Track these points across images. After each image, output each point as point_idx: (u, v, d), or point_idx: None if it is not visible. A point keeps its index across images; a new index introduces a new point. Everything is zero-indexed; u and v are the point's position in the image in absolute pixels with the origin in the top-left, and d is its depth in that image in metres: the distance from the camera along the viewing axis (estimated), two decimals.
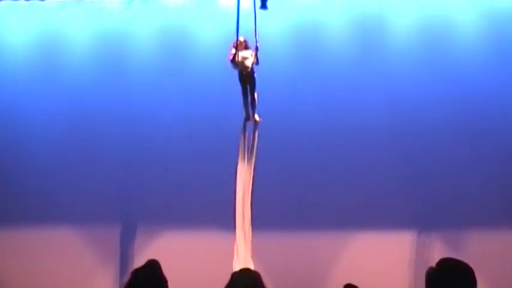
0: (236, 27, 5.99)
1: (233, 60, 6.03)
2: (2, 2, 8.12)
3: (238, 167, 6.08)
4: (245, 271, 3.71)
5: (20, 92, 8.16)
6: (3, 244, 8.00)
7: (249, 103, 6.02)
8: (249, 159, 6.05)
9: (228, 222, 7.70)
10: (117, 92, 8.08)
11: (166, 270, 3.79)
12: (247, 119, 6.08)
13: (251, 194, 6.05)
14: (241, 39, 6.04)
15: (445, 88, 7.89)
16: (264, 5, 6.36)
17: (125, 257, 7.89)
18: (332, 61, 8.00)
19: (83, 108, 8.08)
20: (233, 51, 6.03)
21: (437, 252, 7.35)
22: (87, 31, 8.18)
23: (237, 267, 5.70)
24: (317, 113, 7.93)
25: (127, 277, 3.77)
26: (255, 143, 6.06)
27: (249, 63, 5.98)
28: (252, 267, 5.61)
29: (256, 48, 6.02)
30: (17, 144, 8.10)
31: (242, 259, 5.90)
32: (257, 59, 6.02)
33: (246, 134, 6.10)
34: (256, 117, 6.08)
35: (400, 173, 7.84)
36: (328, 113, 7.92)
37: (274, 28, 7.88)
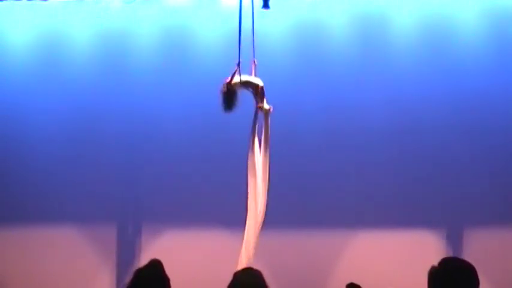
0: (238, 29, 5.99)
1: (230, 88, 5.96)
2: (3, 1, 8.13)
3: (249, 161, 5.94)
4: (247, 270, 3.71)
5: (22, 91, 8.16)
6: (4, 243, 8.00)
7: (258, 94, 5.95)
8: (264, 152, 5.91)
9: (230, 221, 7.71)
10: (119, 91, 8.08)
11: (169, 269, 3.79)
12: (258, 108, 5.95)
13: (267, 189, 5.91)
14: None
15: (447, 86, 7.88)
16: (266, 4, 6.34)
17: (127, 256, 7.89)
18: (334, 60, 7.99)
19: (84, 107, 8.08)
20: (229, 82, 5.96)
21: (440, 251, 7.36)
22: (89, 30, 8.18)
23: (243, 261, 5.67)
24: (318, 111, 7.92)
25: (129, 277, 3.77)
26: (268, 134, 5.91)
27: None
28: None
29: (254, 63, 6.00)
30: (18, 143, 8.09)
31: (249, 254, 5.83)
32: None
33: (257, 126, 5.96)
34: (266, 105, 5.98)
35: (402, 171, 7.82)
36: (329, 112, 7.91)
37: (275, 27, 7.88)
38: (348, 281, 6.36)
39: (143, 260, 3.95)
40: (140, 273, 3.71)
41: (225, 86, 5.96)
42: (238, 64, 5.95)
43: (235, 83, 5.95)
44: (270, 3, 6.47)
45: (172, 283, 3.77)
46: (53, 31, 8.20)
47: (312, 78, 7.95)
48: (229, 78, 5.95)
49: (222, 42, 7.85)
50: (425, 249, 7.47)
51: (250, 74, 6.06)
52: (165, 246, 7.80)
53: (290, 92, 7.75)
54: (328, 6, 8.02)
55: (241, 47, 6.07)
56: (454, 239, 7.69)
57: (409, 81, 7.92)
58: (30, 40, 8.21)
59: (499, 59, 7.88)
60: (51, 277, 7.86)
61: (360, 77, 7.93)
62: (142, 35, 8.14)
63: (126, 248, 7.95)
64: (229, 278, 3.72)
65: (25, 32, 8.22)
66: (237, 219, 7.65)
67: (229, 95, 5.98)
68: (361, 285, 6.24)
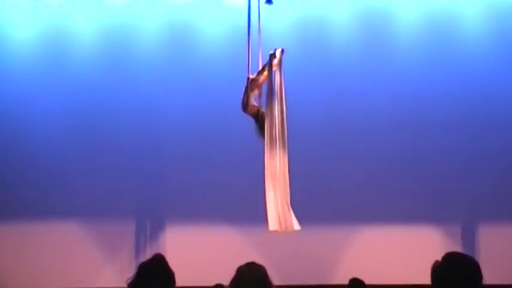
0: (247, 35, 5.98)
1: (247, 108, 5.90)
2: None
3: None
4: (251, 265, 3.70)
5: (27, 88, 8.19)
6: (8, 241, 8.00)
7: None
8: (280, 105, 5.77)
9: (234, 217, 7.74)
10: (124, 87, 8.11)
11: (173, 264, 3.80)
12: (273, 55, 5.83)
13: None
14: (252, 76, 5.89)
15: (451, 82, 7.89)
16: (269, 0, 6.34)
17: (130, 251, 7.91)
18: (338, 56, 8.00)
19: (89, 103, 8.11)
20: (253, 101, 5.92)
21: (444, 246, 7.37)
22: (93, 27, 8.19)
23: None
24: (323, 107, 7.93)
25: (133, 271, 3.78)
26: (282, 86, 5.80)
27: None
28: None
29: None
30: (24, 140, 8.11)
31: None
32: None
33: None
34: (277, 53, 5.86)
35: (406, 167, 7.84)
36: (334, 107, 7.93)
37: (279, 23, 7.88)
38: (352, 276, 6.37)
39: (148, 255, 3.94)
40: (144, 267, 3.72)
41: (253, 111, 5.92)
42: (248, 79, 5.92)
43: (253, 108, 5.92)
44: None
45: (177, 277, 3.77)
46: (57, 28, 8.22)
47: (316, 74, 7.96)
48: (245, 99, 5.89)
49: (226, 38, 7.87)
50: (429, 244, 7.48)
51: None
52: (170, 242, 7.83)
53: (294, 88, 7.75)
54: (332, 2, 8.03)
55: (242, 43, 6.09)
56: (458, 234, 7.70)
57: (414, 76, 7.93)
58: (34, 36, 8.23)
59: (505, 55, 7.89)
60: (56, 272, 7.90)
61: (365, 74, 7.94)
62: (146, 32, 8.15)
63: (131, 243, 7.97)
64: (232, 273, 3.73)
65: (29, 29, 8.24)
66: (242, 216, 7.69)
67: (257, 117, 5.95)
68: (364, 279, 6.25)
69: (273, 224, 5.68)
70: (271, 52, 5.84)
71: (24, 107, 8.14)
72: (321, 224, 7.56)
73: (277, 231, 5.70)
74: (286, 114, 5.80)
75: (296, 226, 5.72)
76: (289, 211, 5.70)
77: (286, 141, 5.77)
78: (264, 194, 5.78)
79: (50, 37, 8.20)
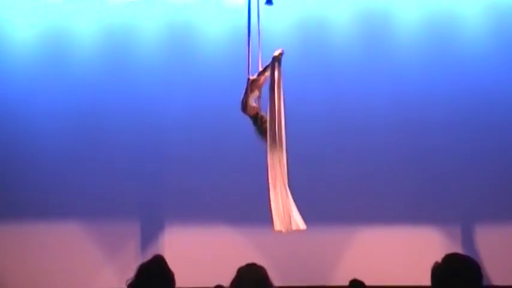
0: (247, 35, 5.98)
1: (245, 108, 5.91)
2: None
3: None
4: (251, 266, 3.71)
5: (27, 88, 8.19)
6: (8, 241, 8.00)
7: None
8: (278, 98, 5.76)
9: (234, 217, 7.74)
10: (124, 87, 8.11)
11: (173, 265, 3.81)
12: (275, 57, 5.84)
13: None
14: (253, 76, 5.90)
15: (451, 82, 7.89)
16: (269, 0, 6.34)
17: (131, 252, 7.90)
18: (338, 56, 8.00)
19: (89, 103, 8.11)
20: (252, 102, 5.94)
21: (444, 247, 7.37)
22: (94, 27, 8.19)
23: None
24: (323, 107, 7.93)
25: (133, 272, 3.78)
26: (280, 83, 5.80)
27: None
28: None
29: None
30: (24, 140, 8.11)
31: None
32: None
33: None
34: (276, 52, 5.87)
35: (406, 167, 7.83)
36: (334, 107, 7.92)
37: (279, 23, 7.88)
38: (352, 277, 6.36)
39: (148, 257, 3.95)
40: (144, 268, 3.72)
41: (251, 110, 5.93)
42: (248, 80, 5.92)
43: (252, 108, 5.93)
44: None
45: (177, 278, 3.78)
46: (57, 28, 8.22)
47: (316, 75, 7.96)
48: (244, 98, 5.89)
49: (226, 38, 7.87)
50: (429, 244, 7.48)
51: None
52: (170, 243, 7.82)
53: (294, 88, 7.75)
54: (332, 2, 8.03)
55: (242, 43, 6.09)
56: (458, 234, 7.69)
57: (414, 76, 7.93)
58: (34, 36, 8.23)
59: (505, 55, 7.89)
60: (56, 274, 7.90)
61: (365, 74, 7.94)
62: (146, 32, 8.16)
63: (131, 244, 7.97)
64: (232, 274, 3.73)
65: (29, 29, 8.24)
66: (242, 217, 7.69)
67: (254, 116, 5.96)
68: (365, 280, 6.25)
69: (277, 224, 5.69)
70: (275, 54, 5.84)
71: (25, 107, 8.14)
72: (321, 224, 7.55)
73: (282, 231, 5.70)
74: (285, 114, 5.80)
75: (302, 225, 5.72)
76: (292, 211, 5.70)
77: (283, 141, 5.78)
78: (266, 194, 5.79)
79: (50, 37, 8.20)
